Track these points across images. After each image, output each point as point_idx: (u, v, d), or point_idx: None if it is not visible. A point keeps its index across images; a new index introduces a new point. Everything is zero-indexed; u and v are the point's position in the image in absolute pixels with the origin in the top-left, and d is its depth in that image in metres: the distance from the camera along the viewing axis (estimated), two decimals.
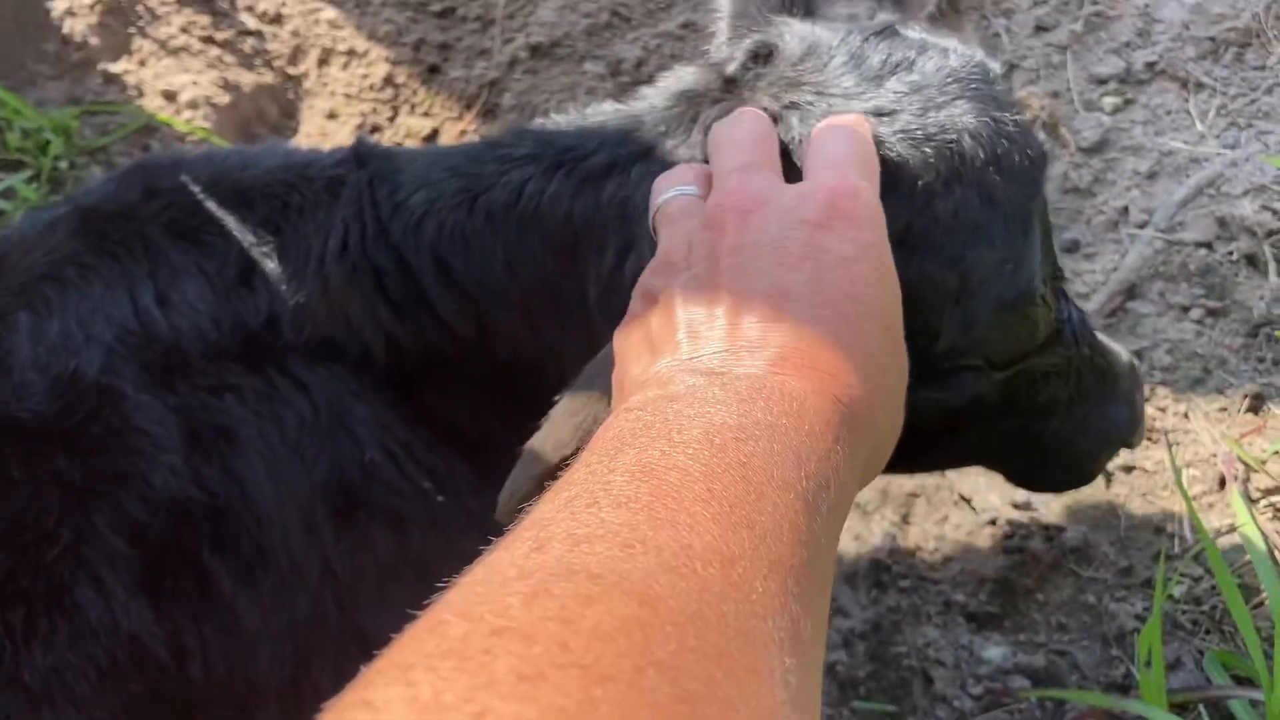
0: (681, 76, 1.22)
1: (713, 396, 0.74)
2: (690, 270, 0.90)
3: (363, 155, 1.19)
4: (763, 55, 1.16)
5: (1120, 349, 1.37)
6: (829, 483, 0.70)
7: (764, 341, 0.80)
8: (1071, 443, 1.31)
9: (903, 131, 1.04)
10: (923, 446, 1.21)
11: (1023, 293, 1.09)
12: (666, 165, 1.09)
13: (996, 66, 1.15)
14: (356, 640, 1.12)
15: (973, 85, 1.08)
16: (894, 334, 0.89)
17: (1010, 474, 1.41)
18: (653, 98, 1.21)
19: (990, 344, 1.11)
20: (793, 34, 1.17)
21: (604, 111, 1.22)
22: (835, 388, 0.77)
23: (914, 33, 1.17)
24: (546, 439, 0.92)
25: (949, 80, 1.08)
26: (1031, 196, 1.09)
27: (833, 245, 0.86)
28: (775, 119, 1.07)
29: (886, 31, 1.15)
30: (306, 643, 1.11)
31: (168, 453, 1.07)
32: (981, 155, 1.04)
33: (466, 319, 1.14)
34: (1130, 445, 1.39)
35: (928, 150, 1.03)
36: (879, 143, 1.02)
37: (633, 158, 1.12)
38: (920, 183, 1.02)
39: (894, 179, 1.02)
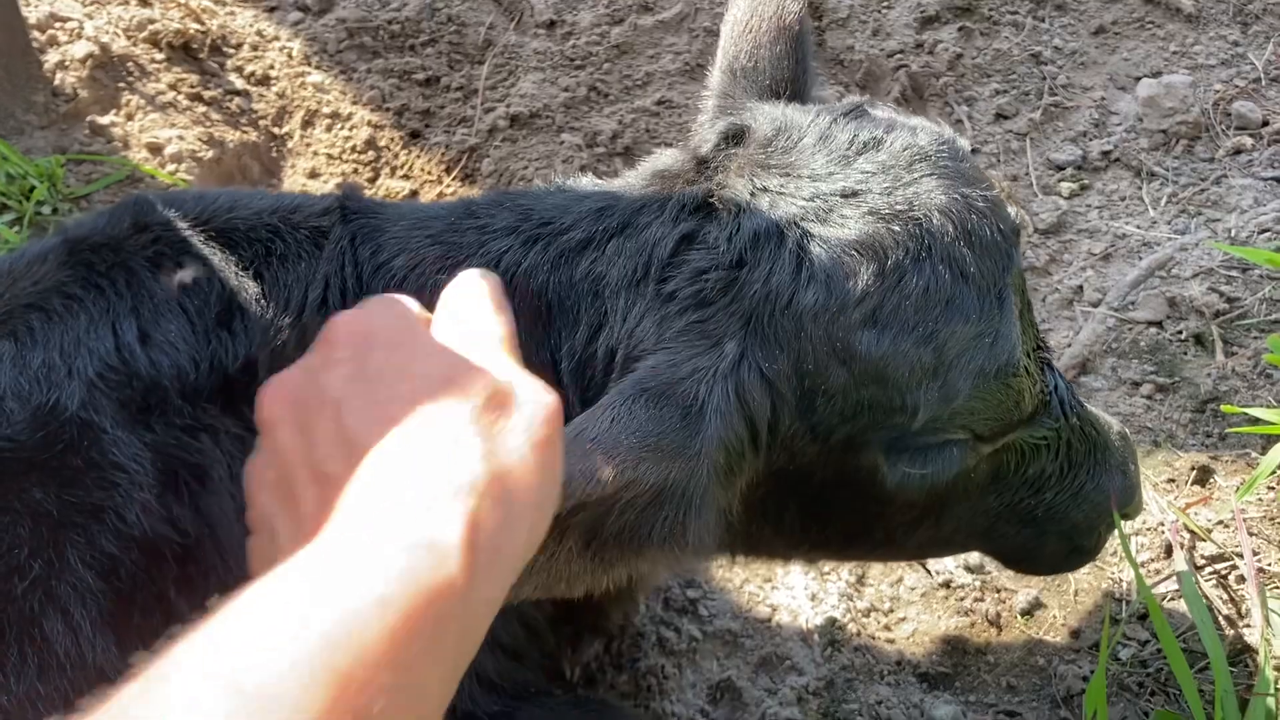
0: (659, 157, 1.27)
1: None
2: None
3: (348, 209, 1.22)
4: (734, 137, 1.21)
5: (1111, 419, 1.38)
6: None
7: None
8: (1066, 516, 1.32)
9: (871, 211, 1.08)
10: (910, 527, 1.24)
11: (1003, 364, 1.11)
12: (640, 241, 1.12)
13: (966, 144, 1.21)
14: None
15: (941, 162, 1.13)
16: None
17: (1005, 554, 1.41)
18: (630, 176, 1.26)
19: (974, 415, 1.13)
20: (764, 115, 1.21)
21: (582, 186, 1.26)
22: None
23: (882, 111, 1.22)
24: None
25: (917, 158, 1.12)
26: (1005, 269, 1.12)
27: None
28: (741, 208, 1.10)
29: (855, 112, 1.20)
30: None
31: (142, 490, 1.08)
32: (951, 230, 1.08)
33: None
34: (1128, 516, 1.39)
35: (896, 228, 1.07)
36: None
37: (608, 234, 1.15)
38: (890, 260, 1.05)
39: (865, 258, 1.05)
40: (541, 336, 1.15)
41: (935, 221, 1.08)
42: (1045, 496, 1.29)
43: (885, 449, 1.12)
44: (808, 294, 1.05)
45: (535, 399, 0.87)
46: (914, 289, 1.05)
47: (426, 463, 0.79)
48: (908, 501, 1.18)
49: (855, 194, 1.09)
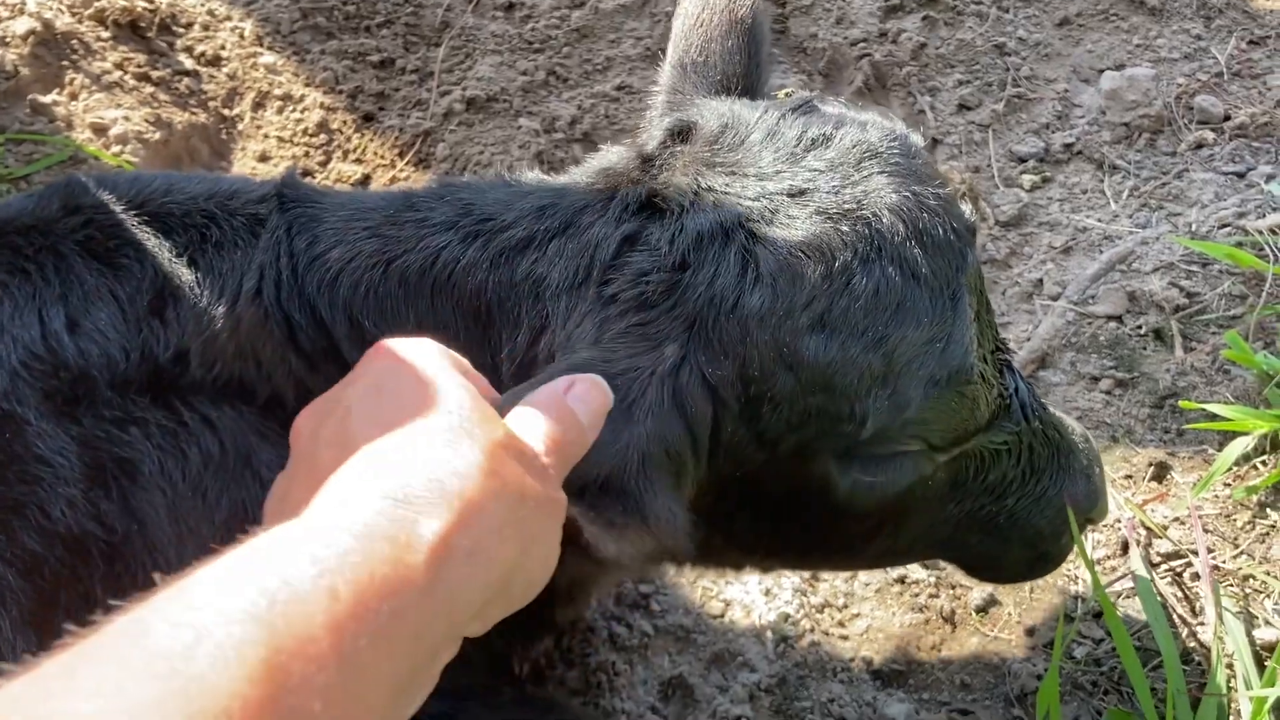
0: (605, 154, 1.23)
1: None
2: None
3: (286, 197, 1.18)
4: (680, 133, 1.17)
5: (1073, 422, 1.34)
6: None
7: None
8: (1029, 522, 1.28)
9: (819, 210, 1.04)
10: (866, 536, 1.20)
11: (955, 370, 1.07)
12: (582, 242, 1.08)
13: (919, 139, 1.17)
14: None
15: (892, 160, 1.09)
16: None
17: (968, 563, 1.38)
18: (575, 173, 1.22)
19: (927, 425, 1.09)
20: (711, 112, 1.18)
21: (525, 181, 1.22)
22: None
23: (832, 107, 1.18)
24: None
25: (867, 155, 1.09)
26: (959, 269, 1.08)
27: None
28: (685, 208, 1.07)
29: (804, 108, 1.16)
30: None
31: (67, 484, 1.05)
32: (902, 230, 1.04)
33: None
34: (1093, 521, 1.36)
35: (844, 228, 1.03)
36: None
37: (549, 234, 1.11)
38: (838, 261, 1.01)
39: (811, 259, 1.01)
40: (481, 338, 1.11)
41: (885, 221, 1.04)
42: (1007, 503, 1.25)
43: (836, 458, 1.09)
44: (754, 297, 1.01)
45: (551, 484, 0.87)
46: (863, 291, 1.02)
47: (418, 461, 0.78)
48: (862, 511, 1.14)
49: (803, 193, 1.06)
